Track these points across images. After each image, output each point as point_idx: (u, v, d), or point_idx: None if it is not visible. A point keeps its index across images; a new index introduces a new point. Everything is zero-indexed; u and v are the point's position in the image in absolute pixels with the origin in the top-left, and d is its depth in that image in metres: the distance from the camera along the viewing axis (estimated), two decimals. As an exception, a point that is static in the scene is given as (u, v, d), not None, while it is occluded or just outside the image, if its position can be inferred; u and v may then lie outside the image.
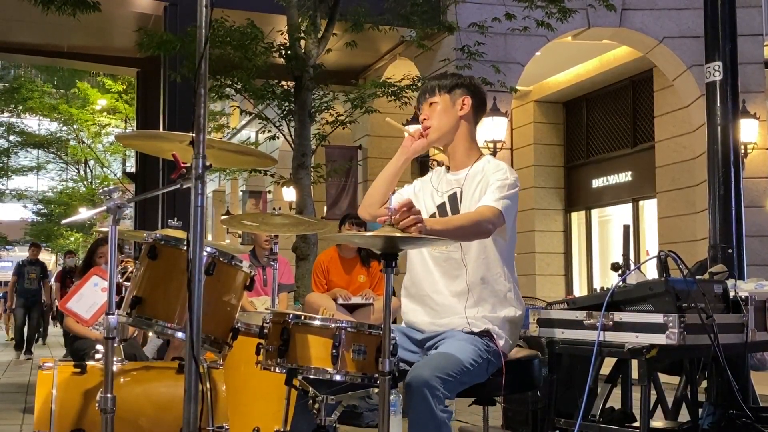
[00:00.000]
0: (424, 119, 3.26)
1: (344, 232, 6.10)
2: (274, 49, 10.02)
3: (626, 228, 4.51)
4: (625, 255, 3.88)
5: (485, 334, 3.03)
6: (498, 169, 3.14)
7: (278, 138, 11.31)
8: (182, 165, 2.54)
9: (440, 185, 3.28)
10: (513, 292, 3.16)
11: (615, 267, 3.71)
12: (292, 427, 3.05)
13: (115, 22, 12.78)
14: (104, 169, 27.59)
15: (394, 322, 3.40)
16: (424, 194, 3.31)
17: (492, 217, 3.02)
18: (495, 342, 3.03)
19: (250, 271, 3.04)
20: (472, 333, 3.03)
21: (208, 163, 2.50)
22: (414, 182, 3.43)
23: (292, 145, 10.04)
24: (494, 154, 11.59)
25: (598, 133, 14.87)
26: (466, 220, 3.04)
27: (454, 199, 3.20)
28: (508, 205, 3.06)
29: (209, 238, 19.30)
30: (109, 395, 2.75)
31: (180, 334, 2.80)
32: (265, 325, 2.89)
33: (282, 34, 10.22)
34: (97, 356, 3.46)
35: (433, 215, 3.20)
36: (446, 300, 3.12)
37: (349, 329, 2.73)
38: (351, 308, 6.05)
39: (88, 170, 28.99)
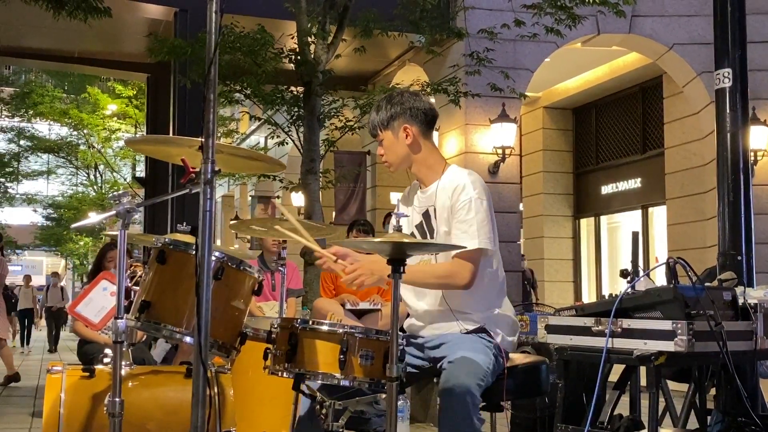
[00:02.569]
0: (381, 155, 3.24)
1: (352, 239, 6.10)
2: (283, 55, 10.05)
3: (635, 235, 4.50)
4: (634, 262, 3.87)
5: (481, 331, 3.04)
6: (461, 192, 3.04)
7: (287, 143, 11.33)
8: (191, 170, 2.55)
9: (416, 204, 3.25)
10: (494, 296, 3.15)
11: (624, 274, 3.71)
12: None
13: (125, 27, 12.83)
14: (114, 173, 27.67)
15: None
16: (406, 213, 3.26)
17: (463, 271, 2.97)
18: (492, 337, 3.04)
19: (259, 276, 3.05)
20: (468, 332, 3.04)
21: (217, 168, 2.51)
22: (399, 199, 3.34)
23: (301, 151, 10.06)
24: (503, 160, 11.60)
25: (608, 139, 14.85)
26: (431, 278, 3.05)
27: (428, 217, 3.17)
28: (486, 236, 3.01)
29: (218, 243, 19.36)
30: (117, 399, 2.75)
31: (188, 339, 2.81)
32: (273, 329, 2.89)
33: (292, 39, 10.24)
34: (106, 360, 3.47)
35: (412, 235, 3.18)
36: (433, 309, 3.13)
37: (356, 334, 2.73)
38: (359, 314, 6.04)
39: (98, 175, 29.08)
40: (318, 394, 2.82)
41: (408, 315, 3.37)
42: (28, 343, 18.17)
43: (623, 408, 3.84)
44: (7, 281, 20.05)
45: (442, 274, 3.03)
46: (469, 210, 3.00)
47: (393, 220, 2.77)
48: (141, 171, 22.76)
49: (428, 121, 3.20)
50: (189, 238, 3.06)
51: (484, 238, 2.99)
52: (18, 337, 18.63)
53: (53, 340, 18.10)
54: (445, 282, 3.02)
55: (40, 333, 21.93)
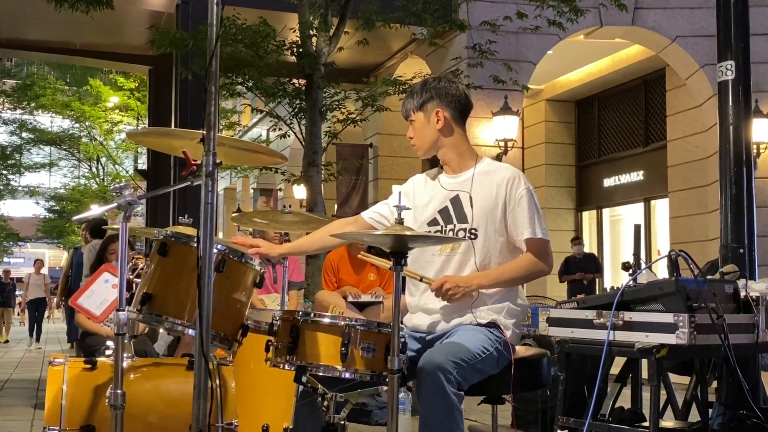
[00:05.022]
0: (410, 137, 3.27)
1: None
2: (285, 47, 10.04)
3: (637, 227, 4.49)
4: (636, 254, 3.87)
5: (492, 326, 3.03)
6: (515, 185, 3.12)
7: (289, 136, 11.33)
8: (193, 162, 2.55)
9: (438, 189, 3.23)
10: (512, 288, 3.17)
11: (626, 266, 3.70)
12: (296, 426, 3.05)
13: (127, 19, 12.83)
14: (116, 166, 27.70)
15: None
16: (421, 201, 3.24)
17: (544, 258, 3.09)
18: (503, 333, 3.03)
19: (260, 269, 3.04)
20: (479, 325, 3.03)
21: (218, 161, 2.51)
22: (400, 191, 3.26)
23: (303, 143, 10.06)
24: (505, 152, 11.58)
25: (610, 132, 14.83)
26: (520, 271, 3.09)
27: (457, 202, 3.16)
28: (545, 226, 3.13)
29: (220, 235, 19.33)
30: (119, 391, 2.75)
31: (190, 331, 2.80)
32: (274, 322, 2.89)
33: (294, 32, 10.23)
34: (108, 352, 3.47)
35: (434, 221, 3.17)
36: (444, 304, 3.08)
37: (358, 327, 2.73)
38: (361, 306, 6.05)
39: (100, 167, 29.11)
40: (320, 386, 2.82)
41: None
42: (38, 338, 16.60)
43: (625, 401, 3.84)
44: (2, 272, 19.85)
45: (529, 270, 3.09)
46: (530, 202, 3.10)
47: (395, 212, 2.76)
48: (143, 163, 22.79)
49: (461, 108, 3.23)
50: (191, 231, 3.06)
51: (545, 230, 3.11)
52: (14, 330, 18.06)
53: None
54: (534, 277, 3.12)
55: (51, 325, 21.39)
